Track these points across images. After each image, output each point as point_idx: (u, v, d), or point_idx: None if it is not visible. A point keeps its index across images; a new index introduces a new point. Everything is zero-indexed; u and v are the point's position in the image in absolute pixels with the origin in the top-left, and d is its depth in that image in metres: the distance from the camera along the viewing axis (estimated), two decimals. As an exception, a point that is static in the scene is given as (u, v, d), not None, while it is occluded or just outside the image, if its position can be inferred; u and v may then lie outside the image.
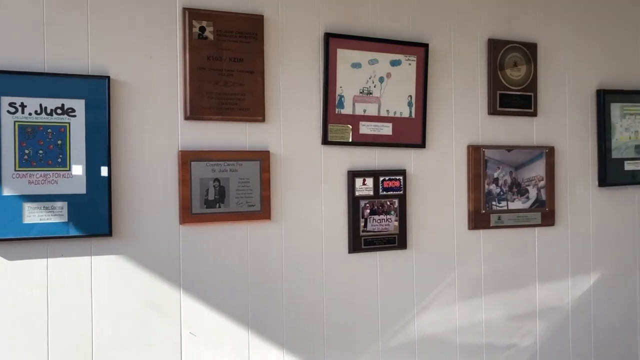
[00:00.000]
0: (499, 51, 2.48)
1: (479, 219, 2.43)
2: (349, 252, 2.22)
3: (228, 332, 2.05)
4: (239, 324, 2.06)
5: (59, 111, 1.84)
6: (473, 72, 2.45)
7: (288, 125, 2.14)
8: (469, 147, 2.43)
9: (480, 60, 2.46)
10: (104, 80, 1.89)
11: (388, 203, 2.27)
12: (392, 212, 2.28)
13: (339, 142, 2.20)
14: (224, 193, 2.03)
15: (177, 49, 1.99)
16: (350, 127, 2.22)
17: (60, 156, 1.85)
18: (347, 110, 2.22)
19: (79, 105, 1.87)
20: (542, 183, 2.54)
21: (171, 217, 1.98)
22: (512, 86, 2.50)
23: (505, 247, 2.49)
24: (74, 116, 1.86)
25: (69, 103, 1.85)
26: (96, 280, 1.89)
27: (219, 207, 2.02)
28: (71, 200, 1.85)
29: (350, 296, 2.23)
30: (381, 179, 2.26)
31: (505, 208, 2.47)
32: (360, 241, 2.23)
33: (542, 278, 2.56)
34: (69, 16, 1.86)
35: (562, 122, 2.61)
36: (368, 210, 2.24)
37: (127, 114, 1.93)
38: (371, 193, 2.24)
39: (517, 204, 2.50)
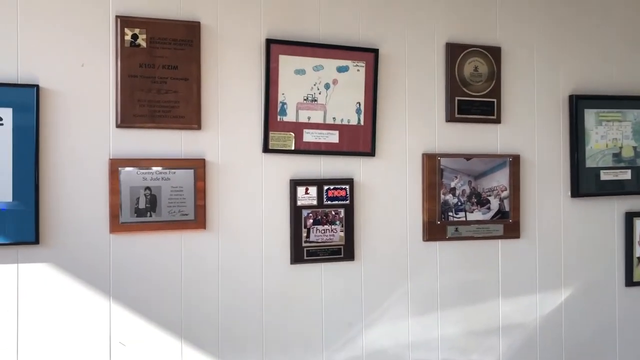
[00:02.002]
0: (458, 55, 2.38)
1: (434, 230, 2.33)
2: (291, 263, 2.17)
3: (160, 344, 2.02)
4: (172, 336, 2.03)
5: (-15, 120, 1.86)
6: (429, 77, 2.36)
7: (226, 133, 2.11)
8: (423, 155, 2.34)
9: (437, 65, 2.37)
10: (32, 89, 1.89)
11: (333, 213, 2.20)
12: (338, 222, 2.21)
13: (280, 150, 2.15)
14: (156, 202, 2.01)
15: (110, 57, 1.98)
16: (293, 134, 2.17)
17: (-13, 164, 1.86)
18: (290, 117, 2.17)
19: (6, 113, 1.87)
20: (505, 193, 2.42)
21: (101, 225, 1.96)
22: (473, 92, 2.40)
23: (464, 259, 2.39)
24: (1, 125, 1.87)
25: (-4, 111, 1.87)
26: (23, 289, 1.89)
27: (150, 215, 2.00)
28: (-3, 208, 1.86)
29: (292, 308, 2.17)
30: (325, 188, 2.19)
31: (464, 219, 2.37)
32: (303, 252, 2.17)
33: (506, 293, 2.44)
34: (-2, 25, 1.88)
35: (529, 129, 2.49)
36: (311, 220, 2.18)
37: (56, 122, 1.93)
38: (314, 202, 2.18)
39: (477, 215, 2.39)
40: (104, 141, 1.98)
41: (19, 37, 1.90)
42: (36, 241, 1.89)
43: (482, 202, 2.40)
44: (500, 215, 2.42)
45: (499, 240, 2.43)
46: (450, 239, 2.35)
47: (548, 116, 2.52)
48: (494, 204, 2.41)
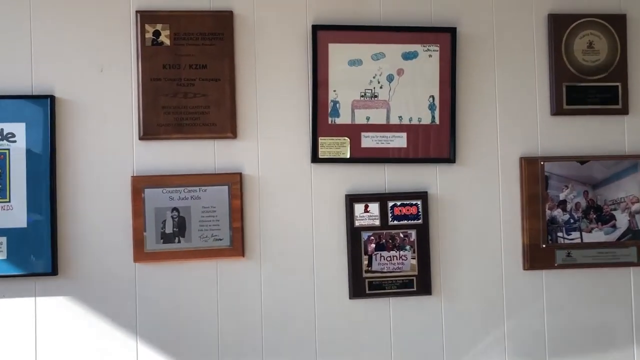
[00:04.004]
0: (565, 29, 1.84)
1: (538, 257, 1.80)
2: (350, 297, 1.76)
3: (193, 392, 1.71)
4: (208, 382, 1.72)
5: (-3, 137, 1.67)
6: (526, 60, 1.84)
7: (267, 142, 1.76)
8: (521, 159, 1.82)
9: (536, 44, 1.85)
10: (45, 100, 1.68)
11: (401, 235, 1.77)
12: (408, 248, 1.77)
13: (333, 159, 1.76)
14: (185, 225, 1.71)
15: (131, 59, 1.72)
16: (348, 140, 1.77)
17: None
18: (344, 119, 1.77)
19: (19, 129, 1.68)
20: (636, 206, 1.83)
21: (124, 253, 1.70)
22: (587, 75, 1.84)
23: (581, 294, 1.83)
24: (14, 142, 1.68)
25: (8, 127, 1.68)
26: (41, 324, 1.68)
27: (179, 241, 1.70)
28: (11, 235, 1.66)
29: (353, 352, 1.76)
30: (390, 204, 1.76)
31: (579, 241, 1.82)
32: (364, 284, 1.75)
33: (643, 338, 1.84)
34: (9, 32, 1.69)
35: (670, 120, 1.88)
36: (373, 245, 1.76)
37: (73, 136, 1.70)
38: (376, 223, 1.76)
39: (598, 236, 1.82)
40: (126, 156, 1.72)
41: (32, 43, 1.70)
42: (54, 272, 1.67)
43: (605, 219, 1.82)
44: (631, 235, 1.83)
45: (631, 269, 1.84)
46: (560, 266, 1.81)
47: (698, 101, 1.89)
48: (622, 220, 1.83)
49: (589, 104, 1.84)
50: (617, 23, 1.85)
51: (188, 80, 1.72)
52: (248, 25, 1.76)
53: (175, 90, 1.71)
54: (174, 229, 1.70)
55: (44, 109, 1.68)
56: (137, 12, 1.72)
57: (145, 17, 1.71)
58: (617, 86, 1.84)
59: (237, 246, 1.71)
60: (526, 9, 1.85)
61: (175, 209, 1.70)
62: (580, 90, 1.84)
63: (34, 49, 1.70)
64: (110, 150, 1.71)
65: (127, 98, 1.72)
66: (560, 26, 1.84)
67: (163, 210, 1.70)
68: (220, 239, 1.71)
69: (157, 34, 1.71)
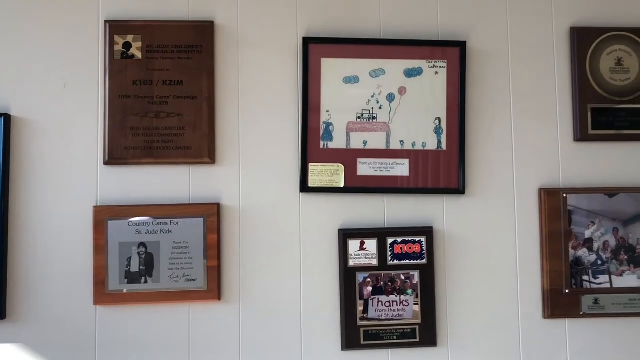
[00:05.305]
0: (590, 44, 1.63)
1: (560, 303, 1.57)
2: (343, 349, 1.53)
3: None
4: None
5: (-57, 161, 1.47)
6: (545, 78, 1.63)
7: (250, 168, 1.55)
8: (540, 191, 1.60)
9: (557, 60, 1.64)
10: (-1, 119, 1.49)
11: (402, 277, 1.54)
12: (410, 292, 1.54)
13: (325, 188, 1.55)
14: (153, 263, 1.49)
15: (98, 74, 1.53)
16: (343, 166, 1.55)
17: (-56, 217, 1.47)
18: (337, 143, 1.56)
19: (-33, 152, 1.48)
20: (675, 246, 1.59)
21: (84, 295, 1.49)
22: (615, 96, 1.62)
23: (610, 346, 1.59)
24: (-38, 166, 1.48)
25: (-45, 150, 1.48)
26: (-15, 377, 1.46)
27: (145, 282, 1.49)
28: (-46, 272, 1.46)
29: (346, 414, 1.52)
30: (390, 241, 1.54)
31: (608, 286, 1.58)
32: (359, 334, 1.52)
33: (684, 400, 1.58)
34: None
35: None
36: (369, 288, 1.53)
37: (30, 160, 1.51)
38: (374, 262, 1.53)
39: (630, 280, 1.58)
40: (88, 183, 1.51)
41: (-13, 56, 1.51)
42: (1, 316, 1.46)
43: (638, 261, 1.59)
44: (669, 280, 1.59)
45: (669, 319, 1.60)
46: (586, 315, 1.57)
47: None
48: (658, 262, 1.59)
49: (617, 129, 1.62)
50: (648, 37, 1.64)
51: (161, 98, 1.52)
52: (231, 37, 1.56)
53: (146, 109, 1.52)
54: (141, 267, 1.49)
55: (-3, 129, 1.49)
56: (106, 22, 1.53)
57: (115, 27, 1.53)
58: (650, 109, 1.62)
59: (212, 288, 1.49)
60: (545, 21, 1.64)
61: (142, 244, 1.49)
62: (608, 113, 1.62)
63: (-11, 61, 1.51)
64: (71, 176, 1.51)
65: (92, 118, 1.52)
66: (584, 41, 1.63)
67: (128, 245, 1.49)
68: (193, 280, 1.49)
69: (127, 46, 1.52)
